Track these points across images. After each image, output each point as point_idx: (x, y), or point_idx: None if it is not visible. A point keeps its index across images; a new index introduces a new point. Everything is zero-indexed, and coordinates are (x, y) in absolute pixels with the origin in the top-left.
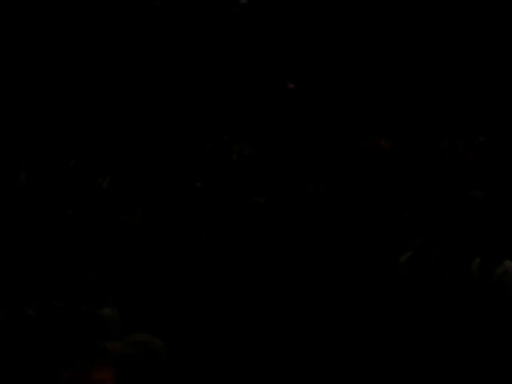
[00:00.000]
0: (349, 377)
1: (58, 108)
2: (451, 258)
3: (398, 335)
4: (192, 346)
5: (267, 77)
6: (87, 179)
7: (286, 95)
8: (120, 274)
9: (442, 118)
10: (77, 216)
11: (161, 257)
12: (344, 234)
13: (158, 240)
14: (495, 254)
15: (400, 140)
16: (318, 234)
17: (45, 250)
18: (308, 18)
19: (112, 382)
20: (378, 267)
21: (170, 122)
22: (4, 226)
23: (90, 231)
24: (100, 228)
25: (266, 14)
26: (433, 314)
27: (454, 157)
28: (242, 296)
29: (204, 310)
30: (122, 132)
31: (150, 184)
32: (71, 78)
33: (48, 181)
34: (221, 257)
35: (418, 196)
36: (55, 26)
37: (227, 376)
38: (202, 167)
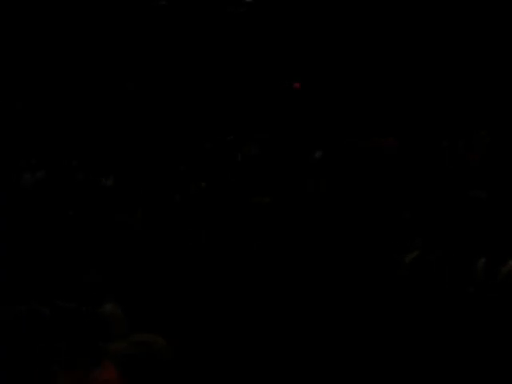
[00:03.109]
0: (349, 377)
1: (58, 108)
2: (452, 257)
3: (399, 335)
4: (194, 345)
5: (270, 77)
6: (88, 179)
7: (289, 95)
8: (120, 274)
9: (442, 118)
10: (77, 216)
11: (161, 257)
12: (344, 234)
13: (158, 240)
14: (499, 254)
15: (400, 140)
16: (317, 234)
17: (45, 249)
18: (310, 18)
19: (117, 381)
20: (378, 267)
21: (170, 121)
22: (4, 225)
23: (90, 231)
24: (100, 228)
25: (272, 13)
26: (434, 314)
27: (454, 157)
28: (242, 296)
29: (205, 310)
30: (122, 132)
31: (150, 184)
32: (72, 78)
33: (48, 181)
34: (221, 257)
35: (418, 196)
36: (56, 25)
37: (230, 375)
38: (202, 167)
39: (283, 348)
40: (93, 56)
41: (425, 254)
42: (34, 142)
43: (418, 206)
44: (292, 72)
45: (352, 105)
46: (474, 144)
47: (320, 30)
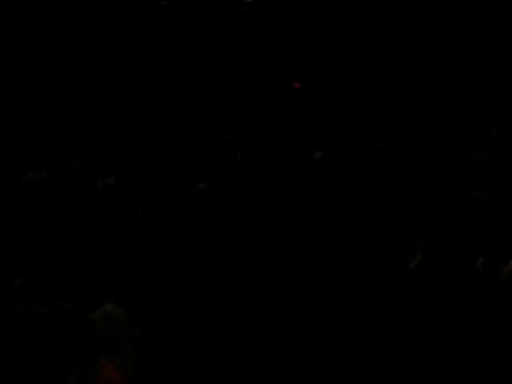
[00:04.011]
0: (349, 376)
1: (58, 108)
2: (452, 257)
3: (398, 335)
4: (194, 343)
5: (270, 77)
6: (88, 179)
7: (289, 95)
8: (120, 274)
9: (442, 117)
10: (77, 216)
11: (161, 257)
12: (344, 234)
13: (158, 240)
14: (499, 254)
15: (400, 140)
16: (317, 234)
17: (45, 249)
18: (310, 19)
19: (119, 381)
20: (379, 267)
21: (171, 121)
22: (4, 225)
23: (90, 231)
24: (100, 228)
25: (272, 14)
26: (435, 313)
27: (454, 157)
28: (241, 295)
29: (205, 309)
30: (122, 132)
31: (150, 184)
32: (72, 78)
33: (48, 181)
34: (221, 257)
35: (418, 196)
36: (56, 25)
37: (229, 374)
38: (202, 167)
39: (282, 348)
40: (93, 56)
41: (425, 254)
42: (34, 141)
43: (418, 205)
44: (292, 72)
45: (352, 105)
46: (474, 144)
47: (320, 30)
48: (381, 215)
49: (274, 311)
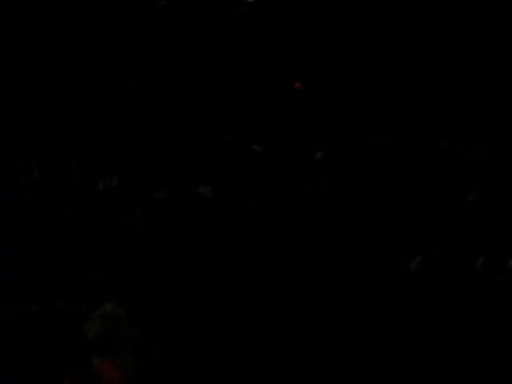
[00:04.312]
0: (349, 377)
1: (58, 108)
2: (452, 257)
3: (398, 335)
4: (194, 344)
5: (271, 77)
6: (88, 179)
7: (289, 95)
8: (120, 274)
9: (442, 117)
10: (77, 216)
11: (161, 257)
12: (344, 234)
13: (158, 240)
14: (498, 254)
15: (400, 140)
16: (317, 234)
17: (45, 249)
18: (311, 19)
19: (119, 381)
20: (379, 267)
21: (171, 121)
22: (4, 225)
23: (90, 231)
24: (100, 228)
25: (273, 14)
26: (435, 313)
27: (454, 157)
28: (241, 295)
29: (204, 309)
30: (122, 132)
31: (150, 184)
32: (72, 78)
33: (48, 181)
34: (221, 257)
35: (418, 196)
36: (56, 25)
37: (229, 374)
38: (202, 167)
39: (282, 348)
40: (93, 56)
41: (425, 254)
42: (34, 141)
43: (418, 206)
44: (293, 72)
45: (352, 105)
46: (474, 144)
47: (321, 30)
48: (381, 215)
49: (273, 311)
